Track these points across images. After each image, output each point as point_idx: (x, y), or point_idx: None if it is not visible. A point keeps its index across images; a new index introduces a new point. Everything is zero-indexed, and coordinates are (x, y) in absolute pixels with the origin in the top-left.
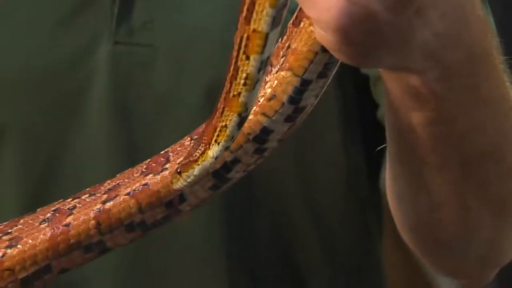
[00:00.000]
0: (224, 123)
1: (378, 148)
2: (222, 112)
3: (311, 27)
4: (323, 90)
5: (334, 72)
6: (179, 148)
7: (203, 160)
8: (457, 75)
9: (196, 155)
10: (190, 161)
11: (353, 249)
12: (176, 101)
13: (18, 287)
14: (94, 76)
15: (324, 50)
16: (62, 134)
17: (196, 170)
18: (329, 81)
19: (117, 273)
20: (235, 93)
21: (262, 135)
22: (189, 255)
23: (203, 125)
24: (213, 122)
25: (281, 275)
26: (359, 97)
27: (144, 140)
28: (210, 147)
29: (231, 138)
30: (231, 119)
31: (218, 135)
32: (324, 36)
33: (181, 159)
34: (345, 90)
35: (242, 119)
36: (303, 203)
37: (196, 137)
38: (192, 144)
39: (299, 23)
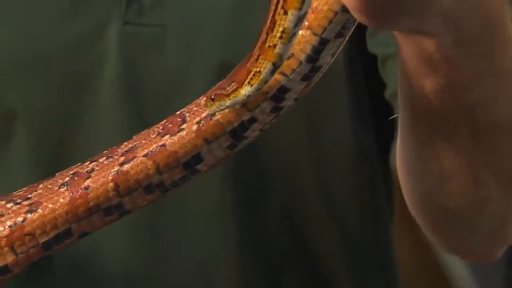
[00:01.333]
0: (258, 69)
1: (390, 118)
2: (257, 59)
3: None
4: (339, 50)
5: (351, 32)
6: (195, 108)
7: (235, 96)
8: (472, 42)
9: (228, 90)
10: (222, 94)
11: (364, 229)
12: (186, 80)
13: (40, 251)
14: (104, 57)
15: (344, 9)
16: (73, 115)
17: (228, 102)
18: (345, 41)
19: (130, 240)
20: (271, 44)
21: (280, 94)
22: (201, 237)
23: (220, 83)
24: (248, 65)
25: (292, 258)
26: (367, 77)
27: (155, 119)
28: (243, 87)
29: (265, 82)
30: (265, 66)
31: (251, 78)
32: None
33: (197, 119)
34: (354, 69)
35: (276, 67)
36: (313, 181)
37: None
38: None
39: None
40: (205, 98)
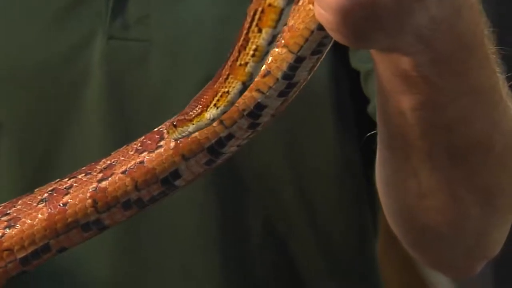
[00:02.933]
0: (226, 89)
1: (368, 134)
2: (226, 78)
3: (310, 5)
4: (316, 66)
5: (328, 49)
6: None
7: (199, 121)
8: (448, 60)
9: (191, 115)
10: (185, 119)
11: (348, 244)
12: (171, 95)
13: (18, 266)
14: (89, 71)
15: (320, 28)
16: (57, 128)
17: (191, 128)
18: (323, 57)
19: (110, 258)
20: (242, 62)
21: (256, 111)
22: (183, 253)
23: (185, 109)
24: (215, 86)
25: (276, 272)
26: (353, 92)
27: (139, 134)
28: (208, 110)
29: (231, 104)
30: (234, 86)
31: (218, 100)
32: (323, 14)
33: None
34: (339, 84)
35: (245, 87)
36: (296, 197)
37: None
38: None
39: (298, 1)
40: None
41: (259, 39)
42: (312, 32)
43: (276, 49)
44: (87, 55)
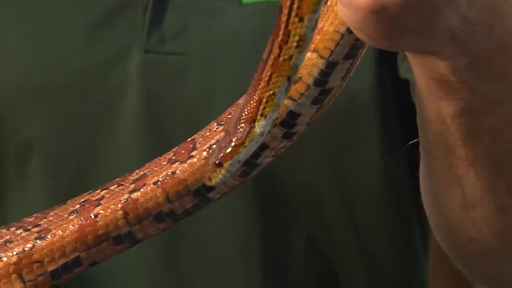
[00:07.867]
0: (272, 91)
1: (410, 143)
2: (269, 80)
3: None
4: (352, 72)
5: (362, 53)
6: (208, 134)
7: (251, 140)
8: (487, 64)
9: (241, 137)
10: (235, 146)
11: (395, 261)
12: (209, 109)
13: (48, 280)
14: (125, 85)
15: (350, 31)
16: (91, 144)
17: (243, 154)
18: (358, 62)
19: (149, 282)
20: (286, 57)
21: (290, 119)
22: (223, 271)
23: (229, 110)
24: (256, 96)
25: None
26: (399, 103)
27: None
28: (256, 124)
29: (278, 106)
30: (280, 84)
31: (264, 107)
32: (346, 14)
33: (207, 145)
34: (384, 96)
35: (290, 82)
36: (340, 215)
37: (222, 122)
38: (223, 130)
39: (327, 1)
40: (215, 124)
41: (301, 29)
42: (343, 35)
43: (307, 54)
44: (124, 69)
